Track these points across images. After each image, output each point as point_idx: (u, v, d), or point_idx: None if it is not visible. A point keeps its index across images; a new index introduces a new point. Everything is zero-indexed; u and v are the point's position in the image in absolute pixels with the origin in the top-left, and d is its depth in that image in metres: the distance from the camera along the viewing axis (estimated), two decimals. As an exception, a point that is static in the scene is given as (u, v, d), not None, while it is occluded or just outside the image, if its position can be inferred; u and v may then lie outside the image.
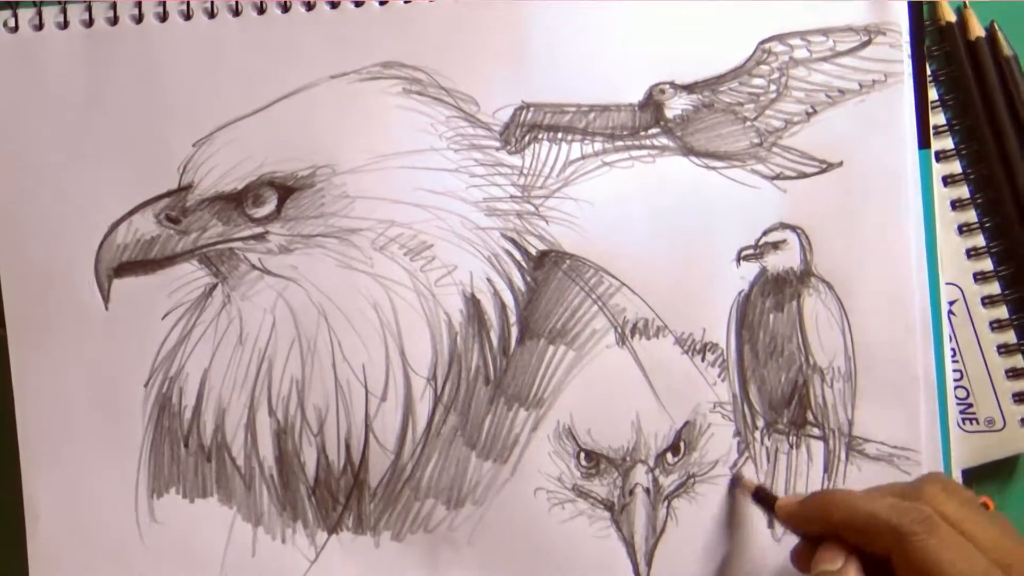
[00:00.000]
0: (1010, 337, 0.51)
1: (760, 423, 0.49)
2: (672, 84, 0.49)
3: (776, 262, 0.49)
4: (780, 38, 0.49)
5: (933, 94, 0.51)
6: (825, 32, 0.49)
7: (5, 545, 0.50)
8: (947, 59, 0.52)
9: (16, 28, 0.50)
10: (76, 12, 0.50)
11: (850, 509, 0.41)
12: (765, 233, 0.49)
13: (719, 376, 0.49)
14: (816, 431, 0.49)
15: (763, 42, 0.49)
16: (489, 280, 0.49)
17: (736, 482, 0.49)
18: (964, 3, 0.52)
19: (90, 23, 0.50)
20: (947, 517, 0.40)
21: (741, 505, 0.49)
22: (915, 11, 0.49)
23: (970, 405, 0.51)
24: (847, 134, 0.49)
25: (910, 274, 0.49)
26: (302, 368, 0.49)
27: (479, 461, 0.49)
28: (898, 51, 0.49)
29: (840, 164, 0.49)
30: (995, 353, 0.51)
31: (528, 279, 0.49)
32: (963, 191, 0.52)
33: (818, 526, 0.43)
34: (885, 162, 0.49)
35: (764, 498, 0.47)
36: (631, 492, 0.48)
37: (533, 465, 0.48)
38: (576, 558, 0.48)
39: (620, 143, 0.49)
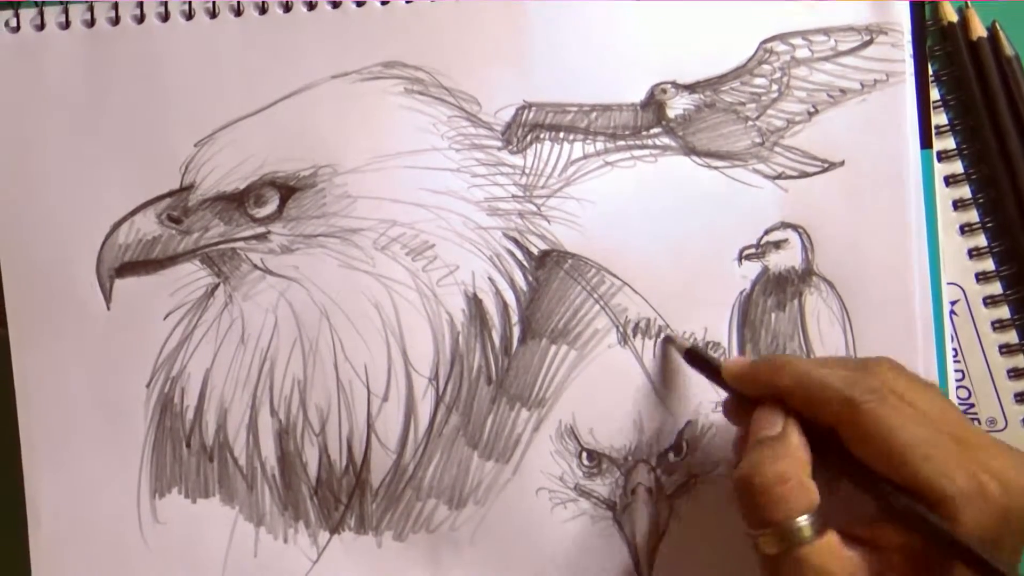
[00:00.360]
0: (1012, 337, 0.51)
1: (762, 423, 0.49)
2: (674, 84, 0.49)
3: (778, 261, 0.49)
4: (782, 38, 0.49)
5: (935, 94, 0.51)
6: (827, 32, 0.49)
7: (7, 545, 0.50)
8: (949, 59, 0.52)
9: (18, 28, 0.50)
10: (78, 12, 0.50)
11: (802, 375, 0.40)
12: (767, 232, 0.49)
13: (721, 376, 0.49)
14: (818, 431, 0.49)
15: (765, 42, 0.49)
16: (491, 280, 0.49)
17: (668, 343, 0.48)
18: (966, 3, 0.52)
19: (92, 23, 0.50)
20: (895, 390, 0.39)
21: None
22: (917, 11, 0.49)
23: (972, 405, 0.51)
24: (849, 134, 0.49)
25: (912, 274, 0.49)
26: (304, 368, 0.49)
27: (481, 461, 0.49)
28: (900, 51, 0.49)
29: (842, 164, 0.49)
30: (997, 353, 0.51)
31: (530, 279, 0.49)
32: (965, 191, 0.52)
33: (764, 389, 0.42)
34: (887, 162, 0.49)
35: (699, 359, 0.46)
36: (633, 492, 0.48)
37: (535, 465, 0.48)
38: (578, 558, 0.48)
39: (622, 143, 0.49)
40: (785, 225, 0.49)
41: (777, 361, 0.42)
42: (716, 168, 0.49)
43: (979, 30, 0.52)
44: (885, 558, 0.38)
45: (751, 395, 0.43)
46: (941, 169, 0.52)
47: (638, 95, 0.49)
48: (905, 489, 0.38)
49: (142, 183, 0.50)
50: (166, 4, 0.50)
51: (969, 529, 0.37)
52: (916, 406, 0.39)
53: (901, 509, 0.38)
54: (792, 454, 0.39)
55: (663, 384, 0.48)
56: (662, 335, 0.48)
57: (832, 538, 0.38)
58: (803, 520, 0.38)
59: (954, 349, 0.51)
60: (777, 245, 0.49)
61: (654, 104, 0.49)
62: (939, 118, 0.52)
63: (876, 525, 0.39)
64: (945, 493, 0.37)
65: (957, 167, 0.52)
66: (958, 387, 0.51)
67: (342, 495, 0.49)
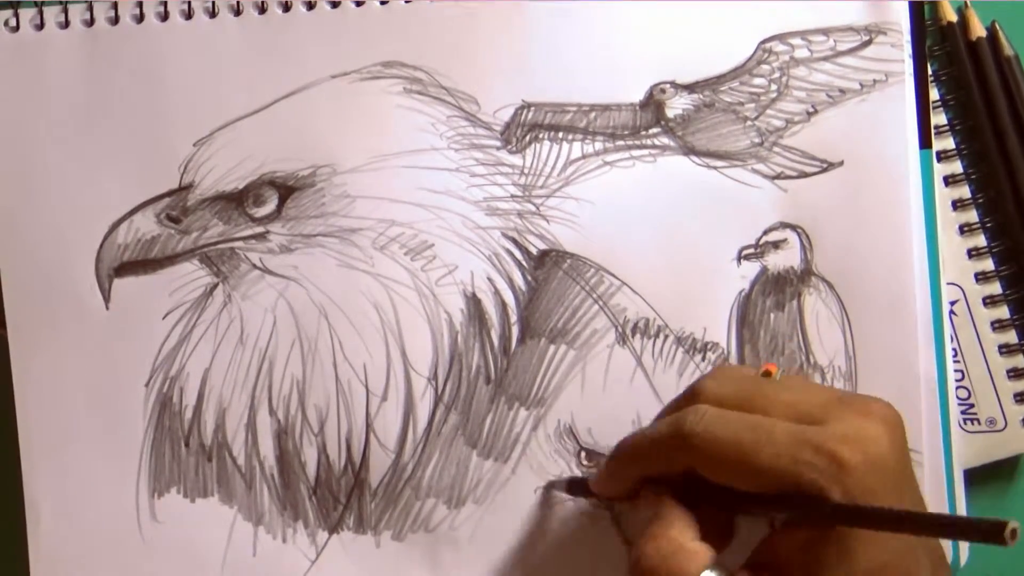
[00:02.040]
0: (1011, 337, 0.51)
1: (761, 423, 0.49)
2: (673, 84, 0.49)
3: (777, 261, 0.49)
4: (781, 38, 0.49)
5: (934, 94, 0.51)
6: (826, 32, 0.49)
7: (6, 545, 0.50)
8: (948, 59, 0.52)
9: (17, 28, 0.50)
10: (77, 12, 0.50)
11: (635, 444, 0.41)
12: (766, 232, 0.49)
13: (720, 375, 0.49)
14: (817, 431, 0.49)
15: (764, 42, 0.49)
16: (490, 279, 0.49)
17: (549, 489, 0.48)
18: (965, 3, 0.52)
19: (91, 23, 0.50)
20: (728, 401, 0.39)
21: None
22: (916, 11, 0.49)
23: (971, 405, 0.51)
24: (848, 134, 0.49)
25: (911, 274, 0.48)
26: (303, 368, 0.49)
27: (480, 460, 0.49)
28: (899, 51, 0.49)
29: (841, 164, 0.49)
30: (996, 353, 0.51)
31: (529, 278, 0.49)
32: (964, 191, 0.52)
33: (627, 480, 0.43)
34: (886, 162, 0.49)
35: (580, 488, 0.47)
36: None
37: (534, 464, 0.48)
38: (577, 557, 0.48)
39: (621, 143, 0.49)
40: (784, 225, 0.49)
41: (617, 449, 0.43)
42: (715, 168, 0.49)
43: (978, 30, 0.52)
44: (791, 569, 0.38)
45: (630, 492, 0.43)
46: (940, 169, 0.52)
47: (637, 95, 0.49)
48: (782, 492, 0.38)
49: (141, 182, 0.50)
50: (165, 4, 0.50)
51: (842, 499, 0.36)
52: (749, 405, 0.39)
53: (776, 510, 0.38)
54: (668, 528, 0.39)
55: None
56: (542, 491, 0.48)
57: None
58: None
59: (953, 349, 0.51)
60: (776, 245, 0.49)
61: (653, 104, 0.49)
62: (938, 118, 0.52)
63: (772, 545, 0.39)
64: (805, 479, 0.36)
65: (956, 167, 0.52)
66: (958, 387, 0.51)
67: (341, 495, 0.49)
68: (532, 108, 0.49)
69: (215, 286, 0.50)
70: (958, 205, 0.52)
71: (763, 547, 0.39)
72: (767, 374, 0.42)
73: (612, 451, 0.44)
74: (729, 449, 0.38)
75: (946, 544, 0.47)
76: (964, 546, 0.49)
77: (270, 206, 0.49)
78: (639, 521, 0.42)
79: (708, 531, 0.40)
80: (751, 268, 0.49)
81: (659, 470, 0.41)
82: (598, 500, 0.47)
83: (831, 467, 0.36)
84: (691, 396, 0.41)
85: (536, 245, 0.49)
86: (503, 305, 0.49)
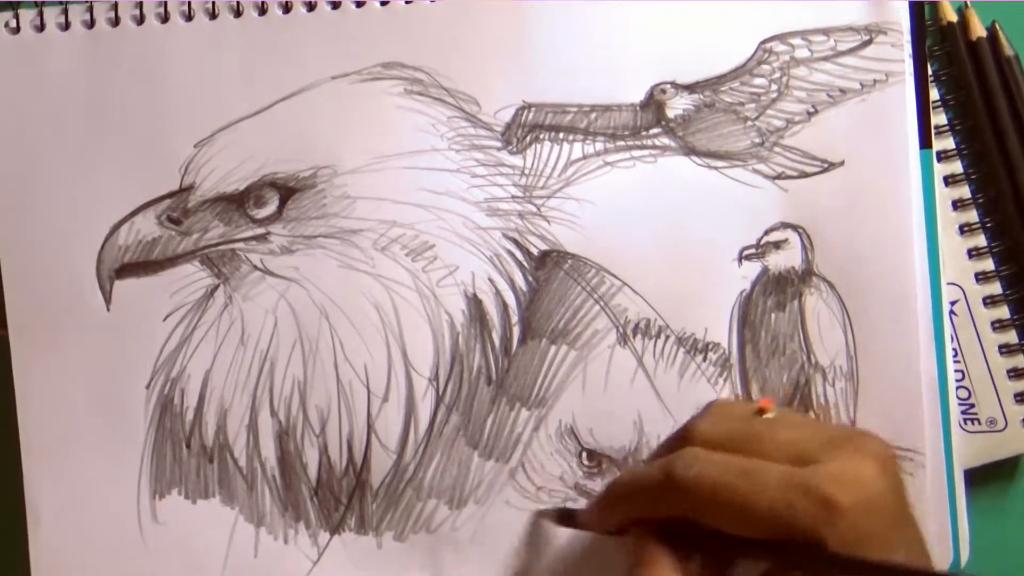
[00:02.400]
0: (1012, 337, 0.51)
1: (762, 423, 0.49)
2: (673, 84, 0.49)
3: (778, 261, 0.49)
4: (781, 37, 0.49)
5: (934, 94, 0.51)
6: (826, 31, 0.49)
7: (7, 546, 0.50)
8: (948, 59, 0.52)
9: (17, 29, 0.50)
10: (77, 13, 0.50)
11: (626, 486, 0.41)
12: (766, 232, 0.49)
13: (721, 376, 0.49)
14: (818, 431, 0.49)
15: (764, 42, 0.49)
16: (491, 280, 0.49)
17: (538, 518, 0.48)
18: (965, 3, 0.52)
19: (91, 24, 0.50)
20: (722, 444, 0.39)
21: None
22: (916, 11, 0.49)
23: (972, 405, 0.51)
24: (848, 133, 0.49)
25: (912, 273, 0.48)
26: (304, 369, 0.49)
27: (481, 461, 0.49)
28: (899, 51, 0.49)
29: (841, 163, 0.49)
30: (997, 353, 0.51)
31: (530, 279, 0.49)
32: (964, 191, 0.52)
33: (619, 518, 0.42)
34: (886, 161, 0.49)
35: (569, 517, 0.47)
36: (633, 492, 0.48)
37: (535, 465, 0.48)
38: (579, 557, 0.48)
39: (621, 143, 0.49)
40: (785, 225, 0.49)
41: (610, 486, 0.43)
42: (716, 168, 0.49)
43: (978, 30, 0.52)
44: None
45: (619, 529, 0.43)
46: (940, 169, 0.52)
47: (637, 95, 0.49)
48: (777, 539, 0.37)
49: (142, 184, 0.50)
50: (165, 5, 0.50)
51: (838, 544, 0.36)
52: (742, 448, 0.39)
53: (773, 557, 0.38)
54: (650, 574, 0.39)
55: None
56: (532, 518, 0.48)
57: None
58: None
59: (954, 349, 0.51)
60: (777, 245, 0.49)
61: (654, 104, 0.49)
62: (938, 118, 0.52)
63: None
64: (800, 525, 0.36)
65: (956, 167, 0.52)
66: (958, 387, 0.51)
67: (342, 495, 0.49)
68: (533, 109, 0.49)
69: (216, 287, 0.50)
70: (958, 205, 0.52)
71: None
72: (761, 411, 0.42)
73: (603, 490, 0.44)
74: (721, 495, 0.37)
75: (947, 543, 0.47)
76: (964, 547, 0.49)
77: (271, 207, 0.49)
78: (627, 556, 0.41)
79: (704, 573, 0.39)
80: (752, 268, 0.49)
81: (650, 513, 0.41)
82: (585, 528, 0.46)
83: (823, 511, 0.36)
84: (682, 438, 0.41)
85: (537, 246, 0.49)
86: (504, 306, 0.49)
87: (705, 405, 0.47)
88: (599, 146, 0.49)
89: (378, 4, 0.50)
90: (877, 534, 0.36)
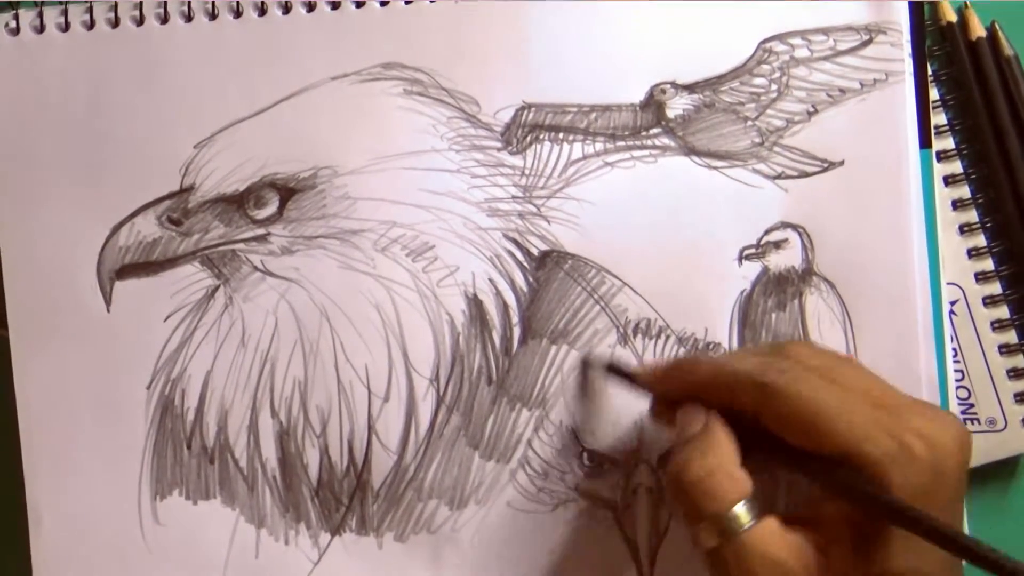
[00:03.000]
0: (1011, 337, 0.51)
1: (763, 423, 0.49)
2: (673, 84, 0.49)
3: (778, 261, 0.49)
4: (781, 37, 0.49)
5: (934, 94, 0.51)
6: (826, 31, 0.49)
7: (8, 547, 0.50)
8: (948, 59, 0.52)
9: (17, 30, 0.50)
10: (77, 14, 0.50)
11: (715, 369, 0.41)
12: (767, 232, 0.49)
13: (721, 376, 0.49)
14: (819, 430, 0.49)
15: (764, 41, 0.49)
16: (491, 280, 0.49)
17: (586, 366, 0.48)
18: (965, 3, 0.52)
19: (91, 25, 0.50)
20: (809, 366, 0.39)
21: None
22: (916, 10, 0.49)
23: (971, 405, 0.51)
24: (848, 133, 0.49)
25: (912, 273, 0.49)
26: (304, 369, 0.49)
27: (482, 461, 0.49)
28: (899, 50, 0.49)
29: (841, 163, 0.49)
30: (996, 353, 0.51)
31: (530, 279, 0.49)
32: (964, 191, 0.52)
33: (682, 388, 0.42)
34: (886, 161, 0.49)
35: (619, 370, 0.47)
36: (634, 492, 0.48)
37: (536, 465, 0.48)
38: (579, 558, 0.48)
39: (621, 143, 0.49)
40: (785, 225, 0.49)
41: (691, 360, 0.43)
42: (716, 168, 0.49)
43: (978, 30, 0.52)
44: (829, 532, 0.38)
45: (671, 397, 0.43)
46: (940, 169, 0.52)
47: (637, 95, 0.50)
48: (833, 461, 0.38)
49: (142, 185, 0.50)
50: (165, 5, 0.50)
51: (899, 490, 0.37)
52: (832, 378, 0.39)
53: (830, 481, 0.38)
54: (716, 447, 0.39)
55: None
56: (580, 358, 0.48)
57: (771, 522, 0.38)
58: (738, 508, 0.38)
59: (953, 349, 0.51)
60: (777, 245, 0.49)
61: (653, 104, 0.49)
62: (938, 118, 0.52)
63: (816, 502, 0.39)
64: (871, 457, 0.37)
65: (956, 167, 0.52)
66: (958, 387, 0.51)
67: (343, 496, 0.49)
68: (532, 109, 0.49)
69: (216, 288, 0.50)
70: (958, 205, 0.52)
71: (806, 503, 0.40)
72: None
73: (683, 358, 0.44)
74: (807, 408, 0.38)
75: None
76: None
77: (271, 208, 0.49)
78: (681, 441, 0.41)
79: (748, 465, 0.40)
80: (752, 268, 0.49)
81: (719, 401, 0.41)
82: (633, 389, 0.46)
83: (900, 454, 0.37)
84: (778, 349, 0.41)
85: (537, 246, 0.49)
86: (504, 306, 0.49)
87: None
88: (599, 146, 0.49)
89: (378, 5, 0.50)
90: (935, 498, 0.37)
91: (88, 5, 0.50)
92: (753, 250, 0.49)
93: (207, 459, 0.49)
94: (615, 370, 0.47)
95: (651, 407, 0.45)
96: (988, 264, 0.52)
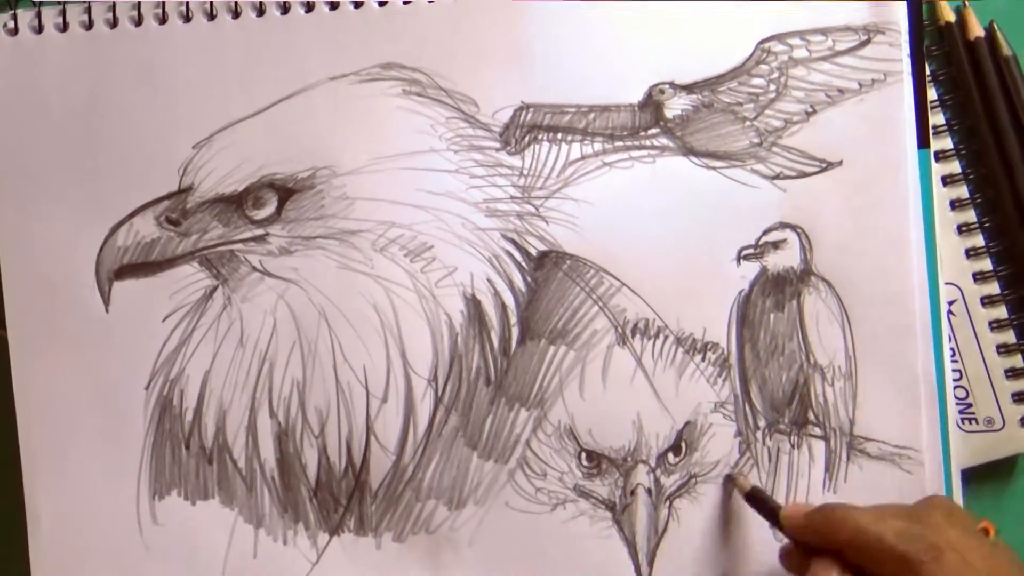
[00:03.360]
0: (1009, 337, 0.51)
1: (761, 423, 0.49)
2: (672, 84, 0.49)
3: (776, 261, 0.49)
4: (779, 38, 0.49)
5: (932, 94, 0.51)
6: (824, 32, 0.49)
7: (7, 547, 0.50)
8: (946, 59, 0.52)
9: (16, 30, 0.50)
10: (76, 14, 0.50)
11: (857, 530, 0.42)
12: (765, 232, 0.49)
13: (720, 376, 0.49)
14: (817, 430, 0.49)
15: (762, 42, 0.49)
16: (490, 281, 0.49)
17: (729, 482, 0.49)
18: (963, 3, 0.52)
19: (90, 25, 0.50)
20: (951, 544, 0.40)
21: (736, 504, 0.49)
22: (914, 11, 0.49)
23: (969, 405, 0.51)
24: (847, 133, 0.49)
25: (910, 273, 0.49)
26: (303, 370, 0.49)
27: (480, 462, 0.49)
28: (897, 50, 0.49)
29: (840, 163, 0.49)
30: (994, 353, 0.51)
31: (529, 280, 0.49)
32: (962, 191, 0.52)
33: (821, 541, 0.43)
34: (885, 161, 0.49)
35: (759, 500, 0.47)
36: (632, 492, 0.48)
37: (534, 465, 0.48)
38: (578, 558, 0.48)
39: (620, 143, 0.49)
40: (783, 225, 0.49)
41: (831, 514, 0.43)
42: (714, 168, 0.49)
43: (976, 30, 0.52)
44: None
45: (810, 545, 0.44)
46: (938, 169, 0.52)
47: (636, 96, 0.50)
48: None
49: (140, 185, 0.50)
50: (163, 6, 0.50)
51: None
52: (972, 564, 0.40)
53: None
54: None
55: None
56: (724, 473, 0.49)
57: None
58: None
59: (952, 349, 0.51)
60: (776, 245, 0.49)
61: (652, 104, 0.49)
62: (936, 118, 0.52)
63: None
64: (912, 567, 0.39)
65: (955, 167, 0.52)
66: (956, 387, 0.51)
67: (341, 496, 0.49)
68: (531, 109, 0.49)
69: (215, 288, 0.50)
70: (956, 205, 0.52)
71: None
72: (985, 531, 0.43)
73: (827, 506, 0.44)
74: (861, 539, 0.41)
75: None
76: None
77: (269, 208, 0.49)
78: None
79: None
80: (751, 268, 0.49)
81: (857, 562, 0.42)
82: (770, 522, 0.46)
83: (931, 554, 0.40)
84: (919, 516, 0.43)
85: (536, 246, 0.49)
86: (503, 306, 0.49)
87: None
88: (597, 146, 0.49)
89: (376, 5, 0.50)
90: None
91: (86, 5, 0.50)
92: (751, 250, 0.49)
93: (205, 459, 0.49)
94: (756, 498, 0.47)
95: (782, 551, 0.45)
96: (986, 264, 0.52)
